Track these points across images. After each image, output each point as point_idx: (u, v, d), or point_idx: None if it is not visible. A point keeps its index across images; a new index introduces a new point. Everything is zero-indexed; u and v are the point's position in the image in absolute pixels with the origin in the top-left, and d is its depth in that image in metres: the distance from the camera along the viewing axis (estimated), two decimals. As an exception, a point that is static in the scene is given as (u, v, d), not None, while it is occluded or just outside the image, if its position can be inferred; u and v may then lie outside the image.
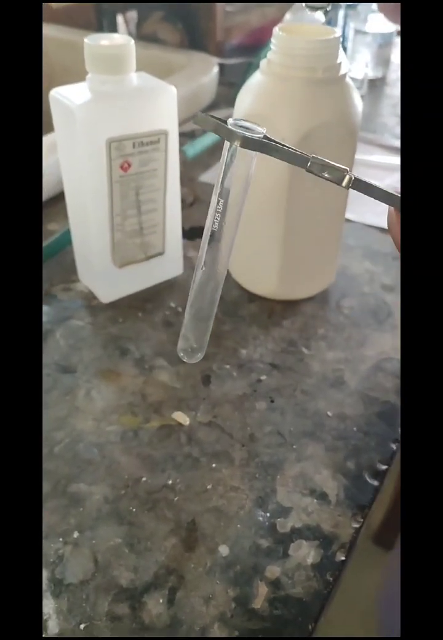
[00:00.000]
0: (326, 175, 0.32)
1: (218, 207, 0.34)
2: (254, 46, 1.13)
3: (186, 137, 0.84)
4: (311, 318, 0.55)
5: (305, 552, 0.38)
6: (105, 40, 0.47)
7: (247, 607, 0.35)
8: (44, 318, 0.54)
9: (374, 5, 1.15)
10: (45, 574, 0.36)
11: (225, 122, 0.32)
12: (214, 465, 0.42)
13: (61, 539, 0.38)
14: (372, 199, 0.32)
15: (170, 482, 0.41)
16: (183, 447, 0.44)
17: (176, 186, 0.55)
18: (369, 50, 1.10)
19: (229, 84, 1.03)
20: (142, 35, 1.06)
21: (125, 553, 0.37)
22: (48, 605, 0.35)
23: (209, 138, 0.84)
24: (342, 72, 0.49)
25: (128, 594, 0.35)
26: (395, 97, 1.06)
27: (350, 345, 0.53)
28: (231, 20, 1.11)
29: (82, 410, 0.46)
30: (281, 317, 0.55)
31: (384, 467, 0.43)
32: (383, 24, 1.11)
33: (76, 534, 0.38)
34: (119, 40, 0.48)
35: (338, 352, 0.52)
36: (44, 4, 1.09)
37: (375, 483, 0.41)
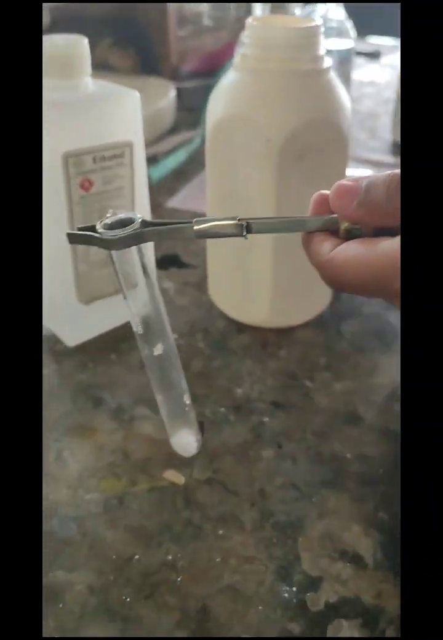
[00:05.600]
0: (218, 232, 0.28)
1: (131, 311, 0.30)
2: (209, 71, 1.08)
3: (148, 161, 0.77)
4: (311, 346, 0.49)
5: (347, 635, 0.30)
6: (55, 40, 0.41)
7: None
8: (1, 370, 0.46)
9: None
10: None
11: (94, 230, 0.28)
12: (221, 531, 0.35)
13: (36, 650, 0.29)
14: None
15: (170, 557, 0.33)
16: (180, 512, 0.36)
17: (146, 206, 0.48)
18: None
19: (188, 109, 0.97)
20: (92, 63, 1.00)
21: (121, 661, 0.29)
22: None
23: (175, 159, 0.77)
24: (326, 65, 0.43)
25: None
26: (360, 114, 1.02)
27: (358, 374, 0.46)
28: (184, 45, 1.06)
29: (53, 477, 0.38)
30: (277, 347, 0.48)
31: (423, 514, 0.35)
32: (340, 41, 1.07)
33: (55, 641, 0.30)
34: (71, 39, 0.41)
35: (347, 383, 0.45)
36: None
37: (417, 536, 0.34)
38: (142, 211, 0.47)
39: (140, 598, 0.31)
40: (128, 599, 0.31)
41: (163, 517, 0.35)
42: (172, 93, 0.91)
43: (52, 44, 0.40)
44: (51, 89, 0.41)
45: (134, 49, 0.98)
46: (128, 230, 0.28)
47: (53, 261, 0.44)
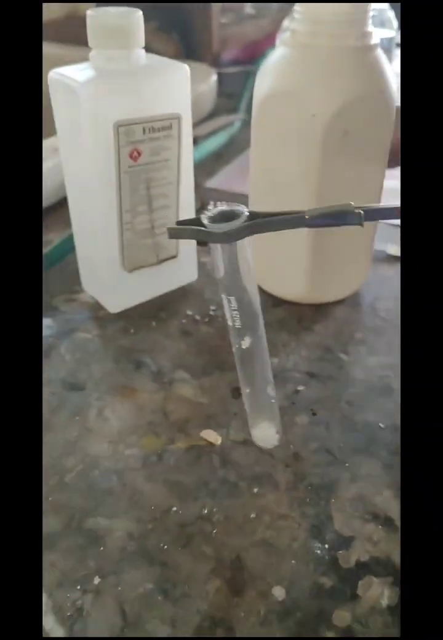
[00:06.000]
0: (332, 221, 0.28)
1: (231, 305, 0.31)
2: (249, 60, 1.09)
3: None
4: (346, 322, 0.49)
5: (378, 592, 0.31)
6: (109, 11, 0.42)
7: (316, 663, 0.28)
8: (46, 332, 0.47)
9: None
10: (61, 632, 0.29)
11: (201, 223, 0.28)
12: (255, 490, 0.36)
13: (78, 587, 0.31)
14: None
15: (205, 511, 0.35)
16: (216, 470, 0.37)
17: (190, 180, 0.49)
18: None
19: (227, 95, 0.98)
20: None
21: (158, 601, 0.30)
22: (67, 673, 0.28)
23: (215, 141, 0.78)
24: (374, 41, 0.44)
25: (167, 653, 0.29)
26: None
27: (393, 350, 0.46)
28: (226, 32, 1.07)
29: (95, 432, 0.39)
30: (312, 321, 0.49)
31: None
32: (381, 31, 1.07)
33: (96, 580, 0.31)
34: (125, 11, 0.42)
35: (381, 357, 0.46)
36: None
37: (448, 503, 0.35)
38: (187, 184, 0.49)
39: (177, 546, 0.33)
40: (166, 547, 0.33)
41: (200, 474, 0.37)
42: (213, 78, 0.92)
43: (107, 14, 0.41)
44: (105, 60, 0.42)
45: (177, 35, 0.99)
46: (238, 222, 0.27)
47: (99, 229, 0.46)
